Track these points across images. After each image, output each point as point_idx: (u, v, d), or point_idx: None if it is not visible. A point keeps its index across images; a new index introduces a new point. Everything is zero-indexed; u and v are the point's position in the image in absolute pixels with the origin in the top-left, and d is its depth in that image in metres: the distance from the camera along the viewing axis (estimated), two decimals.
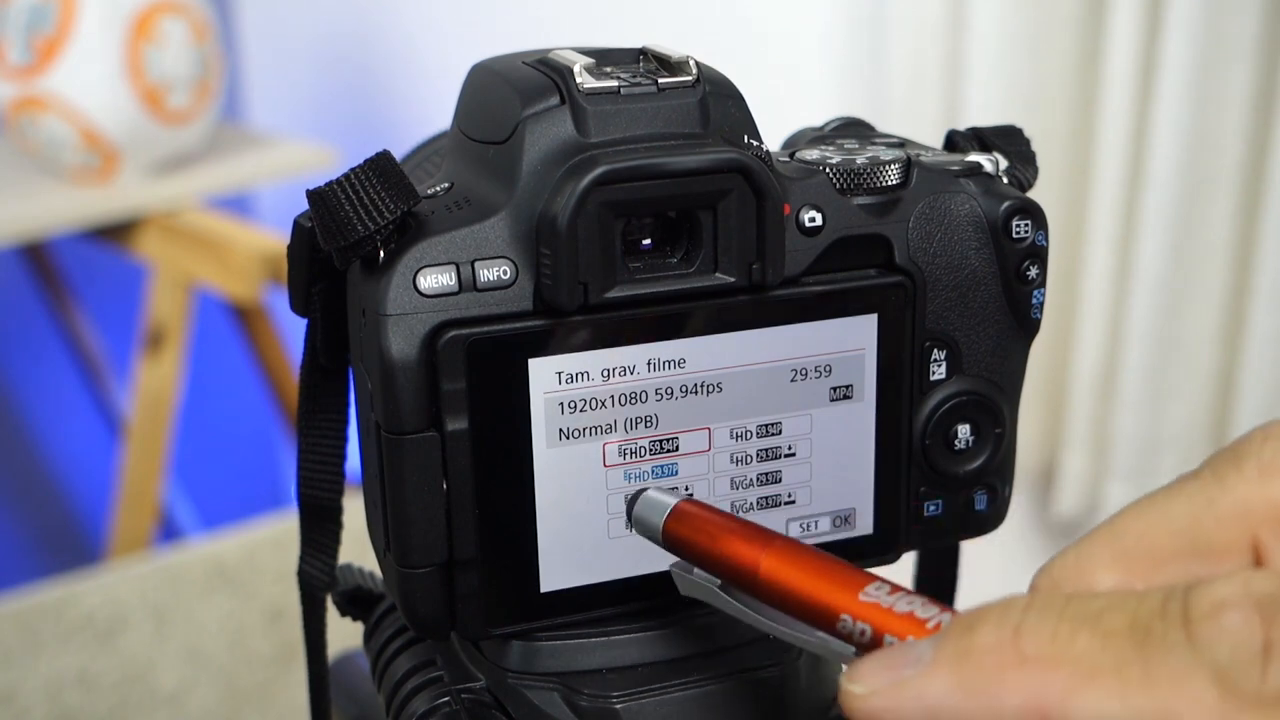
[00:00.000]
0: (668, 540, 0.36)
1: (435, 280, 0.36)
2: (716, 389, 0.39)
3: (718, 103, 0.38)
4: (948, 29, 1.19)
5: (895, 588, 0.30)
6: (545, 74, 0.38)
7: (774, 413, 0.40)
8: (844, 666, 0.29)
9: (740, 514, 0.40)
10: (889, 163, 0.40)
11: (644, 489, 0.38)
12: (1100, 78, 1.13)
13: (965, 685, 0.26)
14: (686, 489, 0.39)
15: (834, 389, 0.40)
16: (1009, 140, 0.43)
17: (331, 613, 0.48)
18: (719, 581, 0.35)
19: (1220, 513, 0.28)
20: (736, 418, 0.39)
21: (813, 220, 0.39)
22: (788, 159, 0.41)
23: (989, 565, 1.29)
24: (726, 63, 0.42)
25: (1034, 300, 0.42)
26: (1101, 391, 1.19)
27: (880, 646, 0.30)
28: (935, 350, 0.41)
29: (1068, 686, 0.25)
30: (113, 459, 1.81)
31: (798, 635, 0.33)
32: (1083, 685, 0.25)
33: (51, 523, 2.00)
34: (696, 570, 0.36)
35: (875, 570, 0.32)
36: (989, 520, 0.44)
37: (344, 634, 0.50)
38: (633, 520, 0.38)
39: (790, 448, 0.40)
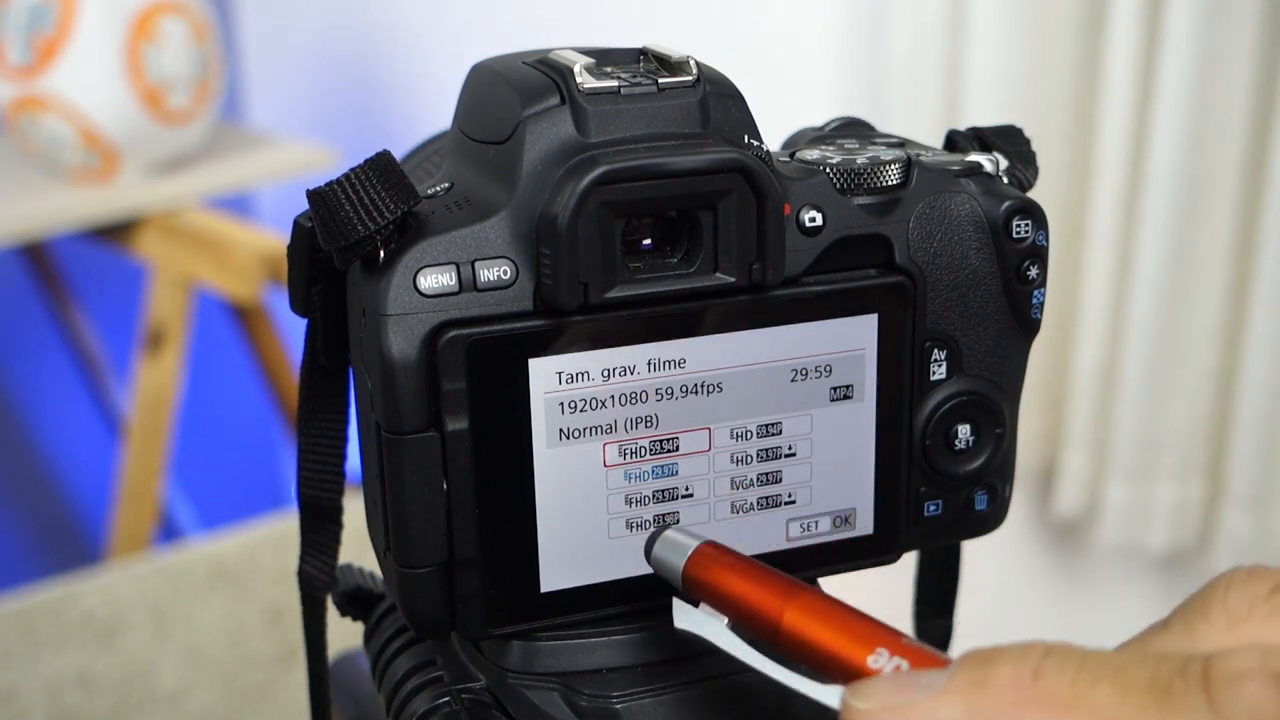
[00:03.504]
0: (687, 583, 0.36)
1: (435, 280, 0.36)
2: (717, 389, 0.39)
3: (718, 103, 0.38)
4: (948, 29, 1.19)
5: (903, 650, 0.30)
6: (545, 74, 0.38)
7: (774, 413, 0.40)
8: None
9: (740, 514, 0.40)
10: (889, 163, 0.40)
11: (664, 528, 0.38)
12: (1100, 77, 1.13)
13: (978, 713, 0.27)
14: (686, 489, 0.39)
15: (834, 389, 0.40)
16: (1009, 140, 0.43)
17: (331, 613, 0.48)
18: (727, 620, 0.35)
19: None
20: (737, 418, 0.39)
21: (813, 220, 0.39)
22: (788, 159, 0.41)
23: (989, 565, 1.30)
24: (726, 63, 0.42)
25: (1034, 300, 0.42)
26: (1101, 391, 1.19)
27: None
28: (935, 350, 0.41)
29: None
30: (113, 459, 1.81)
31: (797, 683, 0.33)
32: None
33: (51, 523, 2.00)
34: (703, 605, 0.36)
35: (877, 568, 0.32)
36: (989, 520, 0.44)
37: (344, 634, 0.50)
38: (651, 560, 0.37)
39: (790, 448, 0.40)
